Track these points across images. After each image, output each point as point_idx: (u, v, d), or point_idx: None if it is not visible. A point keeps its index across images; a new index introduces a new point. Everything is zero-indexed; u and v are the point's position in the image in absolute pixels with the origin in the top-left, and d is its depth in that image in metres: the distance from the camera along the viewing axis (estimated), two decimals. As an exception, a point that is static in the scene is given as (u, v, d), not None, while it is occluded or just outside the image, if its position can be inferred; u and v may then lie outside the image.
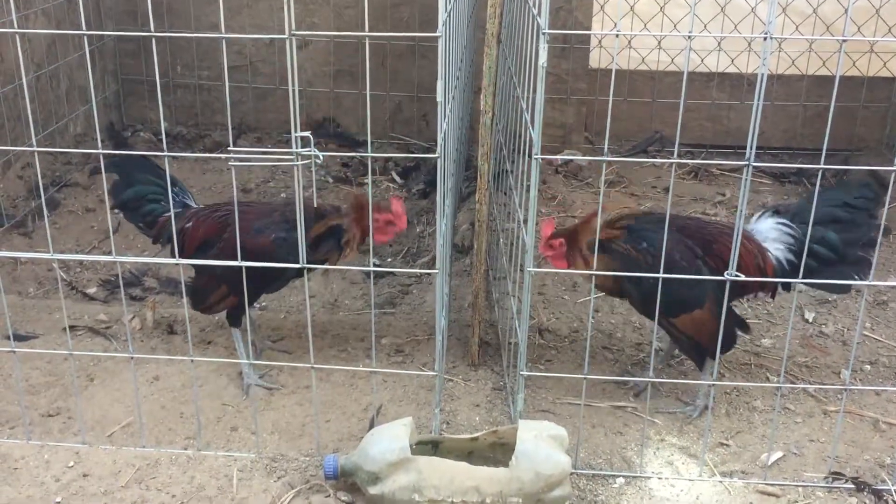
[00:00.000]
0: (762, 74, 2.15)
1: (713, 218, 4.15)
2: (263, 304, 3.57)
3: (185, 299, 2.86)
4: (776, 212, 2.92)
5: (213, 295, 2.94)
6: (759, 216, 2.93)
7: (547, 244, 2.84)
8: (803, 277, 2.65)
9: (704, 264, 2.73)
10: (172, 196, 3.07)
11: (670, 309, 2.62)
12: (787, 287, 2.88)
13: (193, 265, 3.01)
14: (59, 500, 2.39)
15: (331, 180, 4.97)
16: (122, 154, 3.45)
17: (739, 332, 2.88)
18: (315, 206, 2.93)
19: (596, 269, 2.64)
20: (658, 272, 2.41)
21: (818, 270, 2.76)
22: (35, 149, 2.43)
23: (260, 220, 2.90)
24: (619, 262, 2.71)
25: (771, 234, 2.85)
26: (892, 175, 2.30)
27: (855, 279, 2.77)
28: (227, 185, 4.79)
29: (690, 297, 2.69)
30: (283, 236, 2.83)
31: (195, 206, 3.14)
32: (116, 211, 3.24)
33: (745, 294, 2.93)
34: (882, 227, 2.65)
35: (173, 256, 2.77)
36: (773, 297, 3.04)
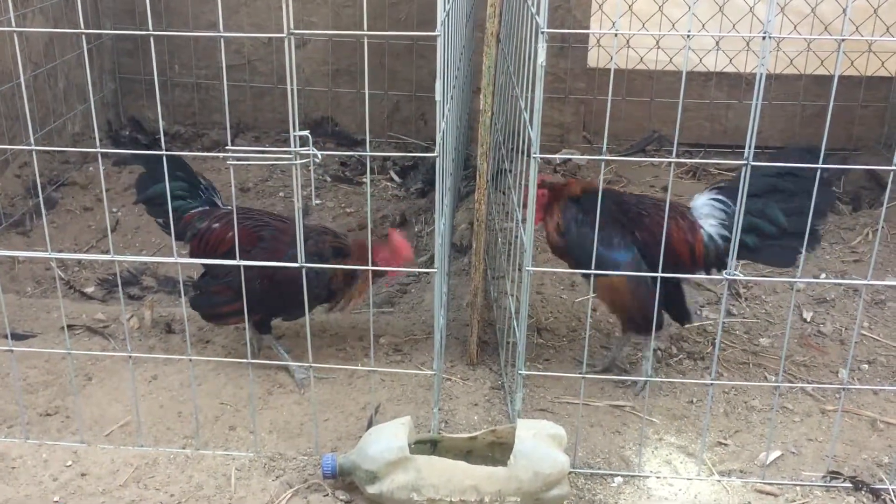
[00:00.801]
0: (761, 74, 2.15)
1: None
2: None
3: (183, 299, 2.84)
4: (716, 188, 2.89)
5: (225, 307, 2.93)
6: (700, 193, 2.92)
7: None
8: (743, 254, 2.67)
9: (630, 235, 2.78)
10: (200, 193, 3.09)
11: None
12: (722, 266, 2.79)
13: (206, 268, 3.03)
14: (57, 499, 2.39)
15: (329, 179, 4.97)
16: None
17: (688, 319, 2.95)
18: (336, 240, 2.97)
19: (552, 233, 2.84)
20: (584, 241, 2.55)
21: (759, 246, 2.72)
22: (33, 147, 2.43)
23: (294, 248, 2.78)
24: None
25: (704, 210, 2.81)
26: (891, 174, 2.31)
27: (801, 253, 2.69)
28: (225, 184, 4.77)
29: (606, 264, 2.70)
30: (314, 273, 2.78)
31: (223, 206, 3.12)
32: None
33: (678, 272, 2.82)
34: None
35: (194, 254, 2.87)
36: (706, 273, 2.89)
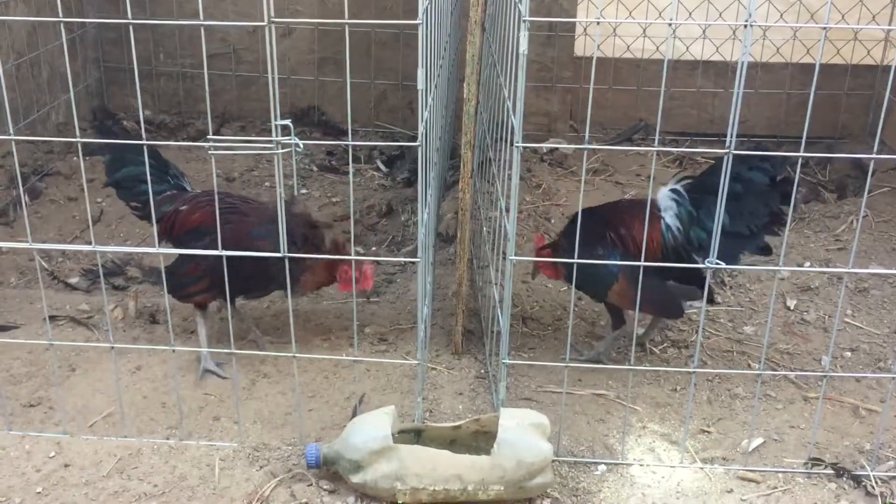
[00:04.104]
0: (743, 62, 2.15)
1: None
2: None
3: (164, 285, 2.82)
4: (683, 179, 2.96)
5: (194, 286, 2.94)
6: (667, 186, 2.97)
7: (538, 255, 3.06)
8: (696, 248, 2.82)
9: (615, 246, 2.90)
10: (168, 178, 3.13)
11: (598, 290, 2.96)
12: (679, 258, 2.88)
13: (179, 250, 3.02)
14: (39, 490, 2.38)
15: (315, 169, 4.96)
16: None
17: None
18: (316, 226, 3.00)
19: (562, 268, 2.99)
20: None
21: (705, 243, 2.79)
22: (13, 137, 2.40)
23: (260, 227, 2.92)
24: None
25: (664, 202, 2.91)
26: (872, 162, 2.32)
27: (742, 255, 2.83)
28: (210, 174, 4.75)
29: (603, 274, 2.88)
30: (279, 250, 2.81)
31: (191, 190, 3.16)
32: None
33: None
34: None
35: (161, 237, 2.93)
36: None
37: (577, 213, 2.86)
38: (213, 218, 2.87)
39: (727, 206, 2.57)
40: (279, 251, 2.70)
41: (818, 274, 3.72)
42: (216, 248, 2.62)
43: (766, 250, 2.88)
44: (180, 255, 3.03)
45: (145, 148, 2.38)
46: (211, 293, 2.96)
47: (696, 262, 2.86)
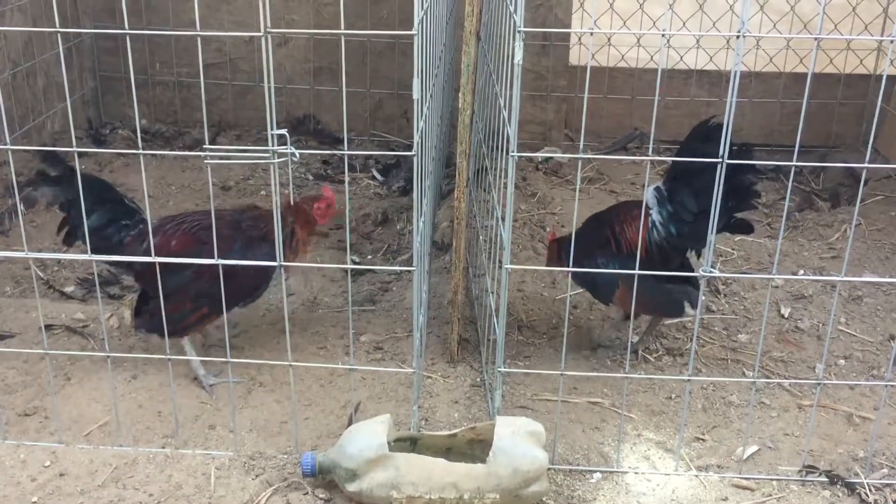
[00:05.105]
0: (736, 71, 2.17)
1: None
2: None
3: (162, 297, 2.77)
4: (669, 177, 3.04)
5: (193, 315, 2.89)
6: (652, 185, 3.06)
7: (550, 248, 3.26)
8: (681, 238, 2.91)
9: (612, 250, 3.01)
10: (128, 212, 2.94)
11: (603, 295, 3.13)
12: (663, 253, 2.95)
13: (164, 288, 2.66)
14: (35, 499, 2.38)
15: (311, 178, 4.96)
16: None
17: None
18: (259, 214, 3.02)
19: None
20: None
21: (681, 231, 2.90)
22: (9, 147, 2.41)
23: (237, 234, 2.92)
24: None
25: (651, 200, 3.00)
26: (864, 171, 2.33)
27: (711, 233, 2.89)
28: (206, 183, 4.76)
29: (606, 282, 3.04)
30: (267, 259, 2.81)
31: (146, 218, 2.94)
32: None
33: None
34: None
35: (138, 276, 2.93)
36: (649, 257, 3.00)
37: (583, 222, 3.17)
38: (190, 242, 2.88)
39: (695, 184, 2.79)
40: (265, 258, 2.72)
41: (812, 282, 3.73)
42: (203, 276, 2.74)
43: (743, 226, 2.93)
44: (166, 293, 2.69)
45: (142, 158, 2.38)
46: (210, 318, 2.95)
47: (681, 253, 2.99)
